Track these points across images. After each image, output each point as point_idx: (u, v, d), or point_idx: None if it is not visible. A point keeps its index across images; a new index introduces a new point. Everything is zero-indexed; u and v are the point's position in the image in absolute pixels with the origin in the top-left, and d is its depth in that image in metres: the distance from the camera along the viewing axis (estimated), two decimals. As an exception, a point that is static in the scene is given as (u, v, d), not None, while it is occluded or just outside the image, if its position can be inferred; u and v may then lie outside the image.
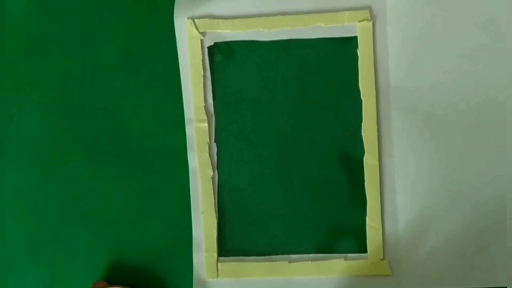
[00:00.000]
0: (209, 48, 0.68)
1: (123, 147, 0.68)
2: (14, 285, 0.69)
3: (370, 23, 0.66)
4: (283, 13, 0.67)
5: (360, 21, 0.66)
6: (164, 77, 0.68)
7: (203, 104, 0.67)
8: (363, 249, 0.66)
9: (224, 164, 0.68)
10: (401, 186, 0.66)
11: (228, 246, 0.68)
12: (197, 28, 0.67)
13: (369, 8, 0.66)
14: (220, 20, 0.67)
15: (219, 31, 0.67)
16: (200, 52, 0.67)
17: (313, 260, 0.67)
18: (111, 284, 0.67)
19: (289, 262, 0.67)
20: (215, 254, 0.67)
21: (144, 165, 0.68)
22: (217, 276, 0.67)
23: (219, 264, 0.67)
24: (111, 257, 0.68)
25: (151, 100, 0.68)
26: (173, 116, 0.68)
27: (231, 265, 0.67)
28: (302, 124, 0.67)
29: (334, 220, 0.67)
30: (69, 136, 0.69)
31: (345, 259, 0.66)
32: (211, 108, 0.68)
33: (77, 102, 0.69)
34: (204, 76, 0.68)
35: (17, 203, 0.69)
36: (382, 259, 0.66)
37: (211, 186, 0.67)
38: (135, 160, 0.68)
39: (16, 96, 0.69)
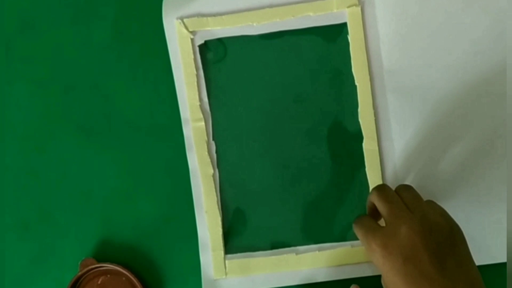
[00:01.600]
0: (200, 46, 0.68)
1: (114, 125, 0.68)
2: (2, 261, 0.69)
3: (359, 8, 0.66)
4: (271, 5, 0.67)
5: (348, 6, 0.66)
6: (154, 55, 0.68)
7: (198, 103, 0.67)
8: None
9: (224, 161, 0.68)
10: (402, 169, 0.66)
11: (234, 243, 0.67)
12: (186, 28, 0.67)
13: (356, -6, 0.66)
14: (209, 18, 0.67)
15: (209, 28, 0.67)
16: (191, 51, 0.67)
17: (320, 249, 0.66)
18: (99, 261, 0.66)
19: (296, 254, 0.66)
20: (222, 253, 0.67)
21: (134, 143, 0.68)
22: (226, 274, 0.67)
23: (226, 262, 0.67)
24: (100, 235, 0.68)
25: (142, 78, 0.68)
26: (164, 94, 0.68)
27: (238, 262, 0.67)
28: (299, 115, 0.67)
29: (338, 208, 0.66)
30: (59, 113, 0.69)
31: (352, 246, 0.66)
32: (207, 107, 0.68)
33: (68, 79, 0.69)
34: (197, 75, 0.67)
35: (7, 180, 0.69)
36: (389, 244, 0.65)
37: (213, 185, 0.67)
38: (125, 138, 0.68)
39: (6, 73, 0.69)
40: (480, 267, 0.58)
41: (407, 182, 0.65)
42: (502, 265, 0.65)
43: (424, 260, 0.54)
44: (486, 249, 0.65)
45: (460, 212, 0.64)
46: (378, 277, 0.65)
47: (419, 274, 0.53)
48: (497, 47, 0.65)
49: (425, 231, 0.55)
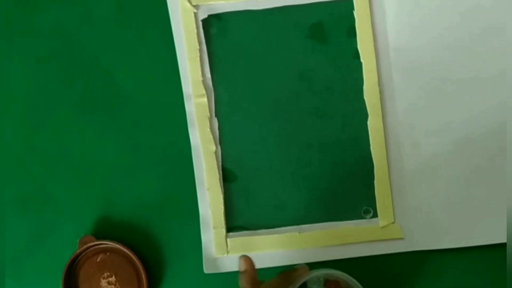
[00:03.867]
0: (203, 21, 0.67)
1: (114, 101, 0.67)
2: (2, 238, 0.67)
3: (365, -16, 0.65)
4: (276, -20, 0.66)
5: (354, -18, 0.65)
6: (156, 30, 0.67)
7: (200, 78, 0.66)
8: (374, 214, 0.65)
9: (226, 137, 0.67)
10: (407, 146, 0.65)
11: (236, 221, 0.66)
12: (189, 2, 0.66)
13: (363, -31, 0.65)
14: (212, -8, 0.66)
15: (212, 3, 0.66)
16: (194, 25, 0.66)
17: (323, 228, 0.65)
18: (99, 239, 0.65)
19: (299, 232, 0.65)
20: (224, 230, 0.66)
21: (135, 120, 0.67)
22: (227, 252, 0.66)
23: (228, 240, 0.66)
24: (99, 212, 0.67)
25: (144, 54, 0.67)
26: (166, 70, 0.67)
27: (240, 240, 0.66)
28: (303, 90, 0.66)
29: (342, 186, 0.66)
30: (59, 89, 0.68)
31: (356, 225, 0.65)
32: (210, 82, 0.67)
33: (68, 54, 0.68)
34: (200, 50, 0.66)
35: (6, 156, 0.68)
36: (393, 223, 0.65)
37: (215, 161, 0.66)
38: (126, 115, 0.67)
39: (6, 48, 0.68)
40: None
41: (411, 159, 0.65)
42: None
43: None
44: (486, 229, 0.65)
45: (462, 189, 0.64)
46: (382, 256, 0.65)
47: None
48: (506, 27, 0.65)
49: None
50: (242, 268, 0.56)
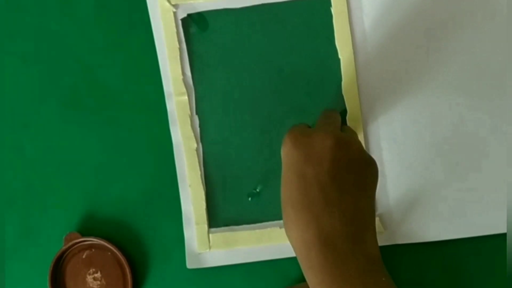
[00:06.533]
0: (183, 20, 0.67)
1: (97, 99, 0.68)
2: None
3: (342, -19, 0.65)
4: (254, -22, 0.66)
5: (331, -21, 0.66)
6: (137, 30, 0.67)
7: (181, 77, 0.67)
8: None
9: (207, 135, 0.67)
10: (387, 143, 0.66)
11: (218, 217, 0.67)
12: (169, 1, 0.66)
13: (340, -34, 0.66)
14: (191, -9, 0.67)
15: (192, 1, 0.67)
16: (174, 24, 0.67)
17: (303, 223, 0.66)
18: (84, 235, 0.67)
19: (280, 227, 0.66)
20: (206, 226, 0.67)
21: (118, 118, 0.68)
22: (209, 247, 0.67)
23: (210, 235, 0.67)
24: (85, 209, 0.68)
25: (125, 53, 0.68)
26: (147, 68, 0.67)
27: (222, 235, 0.67)
28: (283, 88, 0.67)
29: (321, 182, 0.66)
30: (44, 88, 0.68)
31: (336, 219, 0.66)
32: (190, 80, 0.67)
33: (51, 53, 0.68)
34: (180, 49, 0.67)
35: None
36: (372, 217, 0.65)
37: (196, 159, 0.67)
38: (109, 113, 0.68)
39: None
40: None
41: (391, 155, 0.65)
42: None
43: (324, 167, 0.52)
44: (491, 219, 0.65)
45: (444, 183, 0.65)
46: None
47: (314, 179, 0.52)
48: (487, 26, 0.65)
49: (341, 145, 0.53)
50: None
